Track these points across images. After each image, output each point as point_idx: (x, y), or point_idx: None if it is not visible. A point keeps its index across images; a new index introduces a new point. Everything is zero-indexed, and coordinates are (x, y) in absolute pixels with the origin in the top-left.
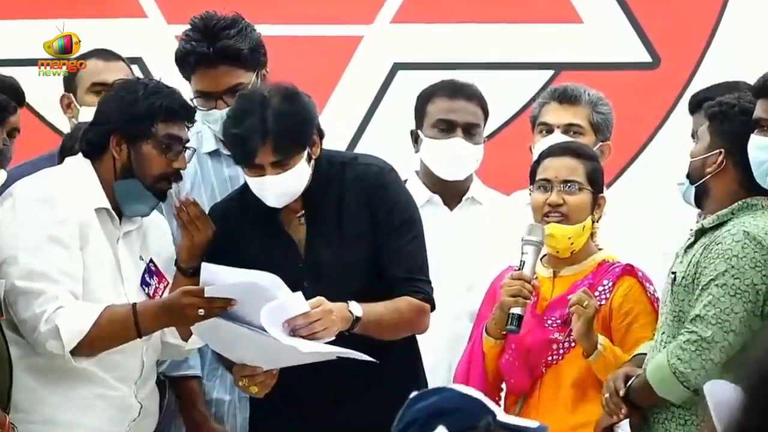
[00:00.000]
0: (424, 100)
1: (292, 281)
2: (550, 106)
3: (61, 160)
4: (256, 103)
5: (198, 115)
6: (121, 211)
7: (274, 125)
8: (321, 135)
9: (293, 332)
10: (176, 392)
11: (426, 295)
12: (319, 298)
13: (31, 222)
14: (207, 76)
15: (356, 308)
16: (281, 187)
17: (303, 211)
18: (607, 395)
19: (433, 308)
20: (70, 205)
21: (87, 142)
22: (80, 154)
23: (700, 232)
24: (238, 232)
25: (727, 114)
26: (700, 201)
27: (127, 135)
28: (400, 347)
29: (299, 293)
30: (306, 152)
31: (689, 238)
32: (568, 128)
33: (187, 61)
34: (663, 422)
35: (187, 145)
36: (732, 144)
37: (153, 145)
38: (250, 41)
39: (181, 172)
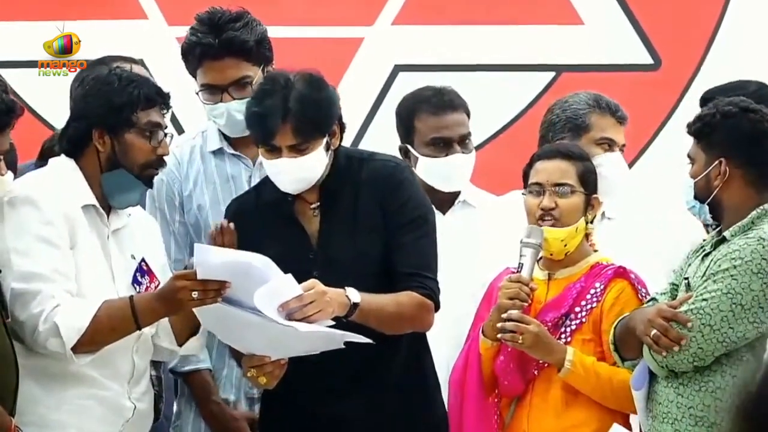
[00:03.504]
0: (408, 115)
1: (303, 272)
2: (608, 121)
3: (41, 164)
4: (279, 83)
5: (204, 111)
6: (110, 205)
7: (296, 107)
8: (342, 127)
9: (288, 317)
10: (189, 386)
11: (430, 292)
12: (313, 281)
13: (19, 225)
14: (213, 68)
15: (354, 294)
16: (296, 171)
17: (318, 203)
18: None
19: (437, 307)
20: (57, 205)
21: (68, 140)
22: (62, 155)
23: (720, 242)
24: (253, 224)
25: (712, 124)
26: (716, 217)
27: (109, 127)
28: (406, 344)
29: (290, 275)
30: (325, 140)
31: (703, 245)
32: (621, 148)
33: (193, 54)
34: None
35: (166, 131)
36: (729, 149)
37: (136, 133)
38: (256, 34)
39: (165, 158)
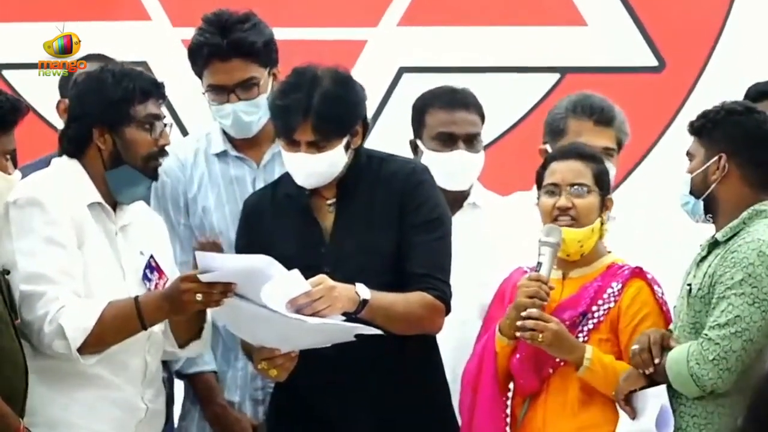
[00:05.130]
0: (420, 110)
1: (313, 266)
2: (585, 125)
3: None
4: (306, 79)
5: (208, 113)
6: (116, 202)
7: (319, 105)
8: (365, 126)
9: (298, 312)
10: (193, 388)
11: (442, 294)
12: (321, 276)
13: (25, 226)
14: (220, 69)
15: (363, 291)
16: (311, 167)
17: (334, 199)
18: (636, 347)
19: (448, 310)
20: (62, 205)
21: (68, 140)
22: (64, 156)
23: (713, 245)
24: (269, 218)
25: (716, 120)
26: (710, 214)
27: (108, 123)
28: (416, 348)
29: (296, 271)
30: (345, 140)
31: (700, 252)
32: (603, 152)
33: (200, 54)
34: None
35: (165, 121)
36: (731, 145)
37: (136, 127)
38: (263, 36)
39: (169, 160)
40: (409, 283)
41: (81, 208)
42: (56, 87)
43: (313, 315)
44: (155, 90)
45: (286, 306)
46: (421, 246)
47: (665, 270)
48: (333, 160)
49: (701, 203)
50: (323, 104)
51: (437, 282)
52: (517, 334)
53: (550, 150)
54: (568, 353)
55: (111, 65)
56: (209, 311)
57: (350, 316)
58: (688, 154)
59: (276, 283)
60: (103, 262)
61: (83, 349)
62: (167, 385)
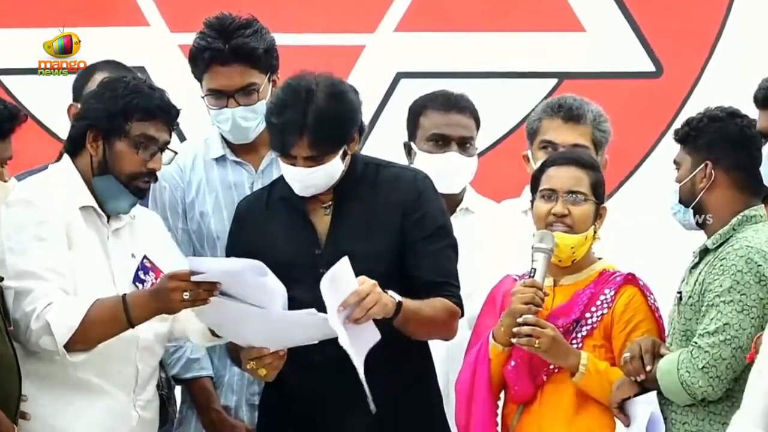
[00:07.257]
0: (416, 112)
1: (309, 268)
2: (554, 123)
3: None
4: (300, 96)
5: (206, 119)
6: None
7: (314, 123)
8: (361, 131)
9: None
10: (190, 394)
11: (459, 300)
12: (362, 277)
13: (14, 224)
14: (220, 74)
15: (393, 293)
16: (309, 180)
17: (330, 203)
18: (627, 355)
19: (461, 316)
20: (52, 206)
21: (68, 138)
22: (65, 155)
23: (704, 252)
24: (262, 220)
25: (698, 128)
26: (700, 222)
27: (102, 131)
28: (410, 354)
29: (345, 259)
30: (342, 150)
31: (693, 259)
32: (572, 148)
33: (201, 58)
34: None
35: (169, 147)
36: (715, 152)
37: (126, 142)
38: (265, 42)
39: (157, 173)
40: (427, 291)
41: (72, 210)
42: (56, 93)
43: (362, 318)
44: (162, 114)
45: (338, 310)
46: (434, 254)
47: (659, 276)
48: (330, 171)
49: (691, 211)
50: (319, 122)
51: (454, 288)
52: (513, 340)
53: (531, 156)
54: (564, 359)
55: (133, 78)
56: (195, 313)
57: (387, 322)
58: (675, 162)
59: (331, 275)
60: (93, 265)
61: (70, 346)
62: (166, 386)
